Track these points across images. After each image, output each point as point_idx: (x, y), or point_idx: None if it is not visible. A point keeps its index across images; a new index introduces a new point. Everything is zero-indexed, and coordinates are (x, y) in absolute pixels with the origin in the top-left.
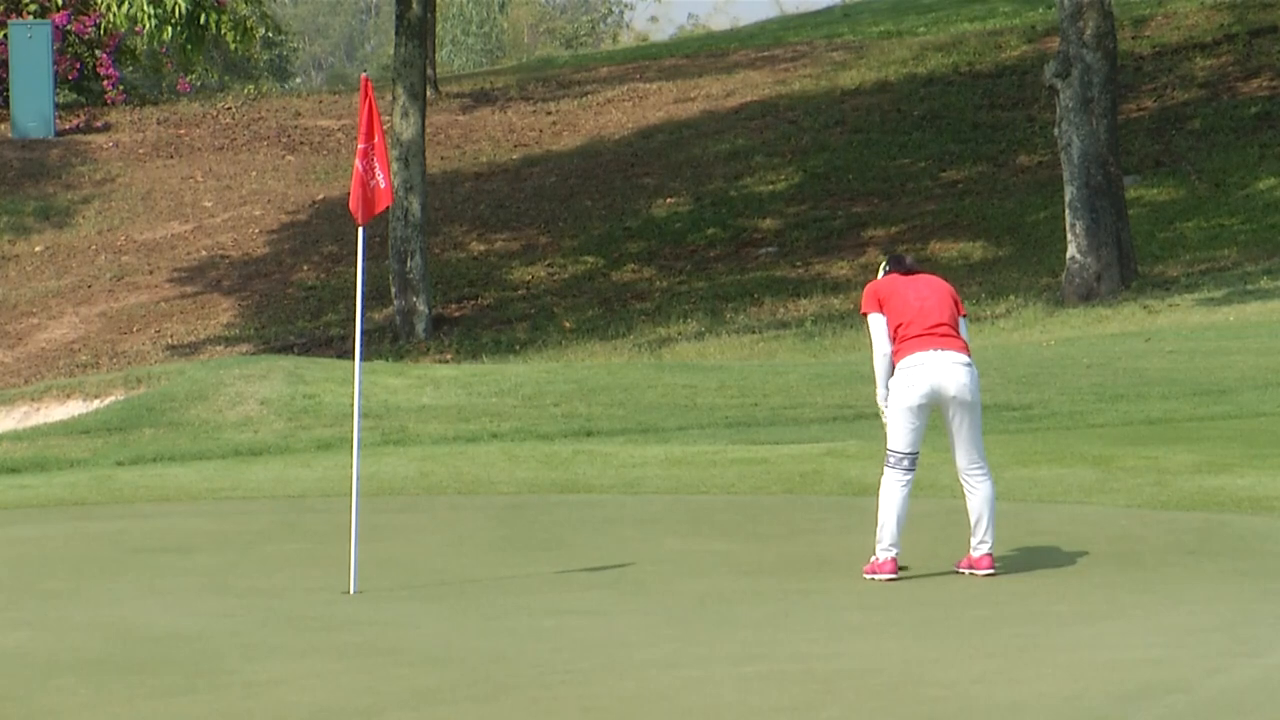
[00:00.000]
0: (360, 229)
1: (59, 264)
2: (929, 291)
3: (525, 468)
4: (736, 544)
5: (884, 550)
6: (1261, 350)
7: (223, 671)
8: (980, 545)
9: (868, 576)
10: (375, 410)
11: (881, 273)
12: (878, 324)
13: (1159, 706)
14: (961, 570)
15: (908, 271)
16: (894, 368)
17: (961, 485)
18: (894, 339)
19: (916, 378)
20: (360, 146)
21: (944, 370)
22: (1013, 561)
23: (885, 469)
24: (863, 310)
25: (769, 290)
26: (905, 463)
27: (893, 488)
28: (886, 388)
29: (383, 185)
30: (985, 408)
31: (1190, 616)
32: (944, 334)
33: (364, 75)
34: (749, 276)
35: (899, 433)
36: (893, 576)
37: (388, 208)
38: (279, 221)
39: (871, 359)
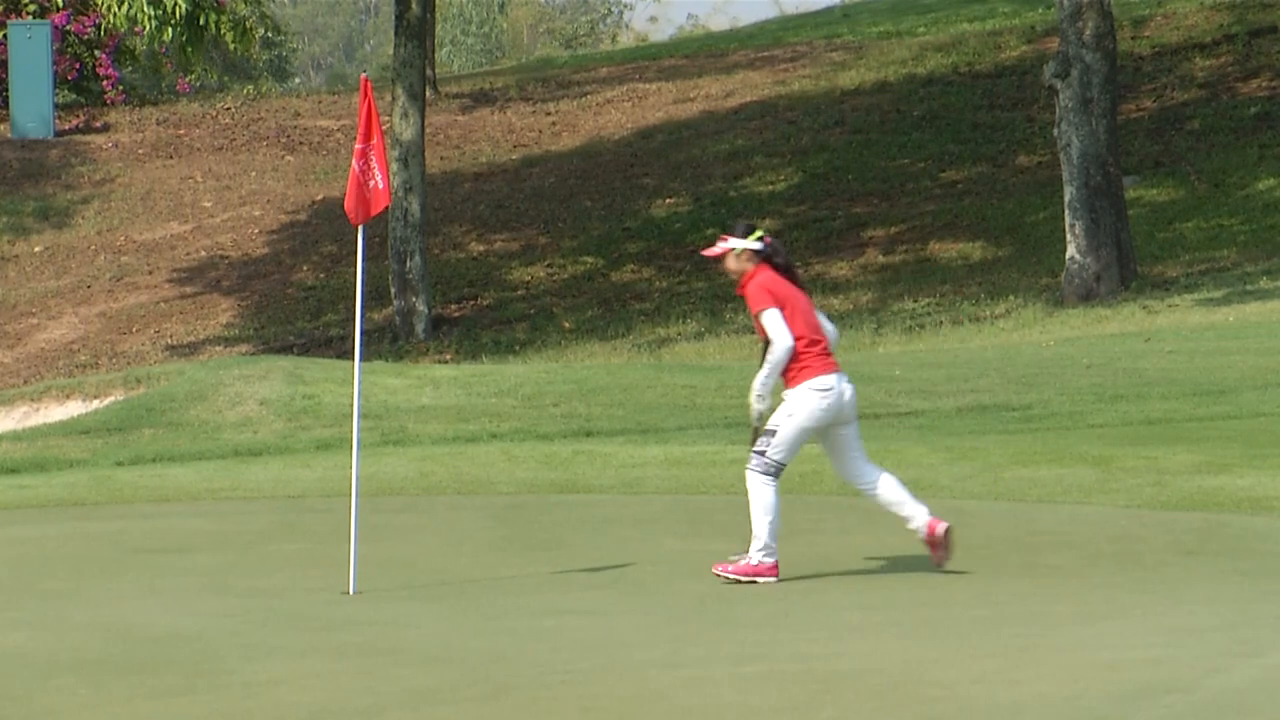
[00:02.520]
0: (359, 230)
1: (58, 264)
2: (810, 307)
3: (525, 468)
4: (736, 544)
5: (769, 554)
6: (1261, 350)
7: (222, 672)
8: (917, 515)
9: (744, 579)
10: (375, 410)
11: (753, 241)
12: (779, 319)
13: (1158, 707)
14: (934, 551)
15: (785, 268)
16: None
17: (863, 491)
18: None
19: (831, 402)
20: (358, 147)
21: (847, 396)
22: (1011, 562)
23: (756, 474)
24: (760, 306)
25: None
26: (779, 471)
27: (769, 493)
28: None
29: (380, 186)
30: (986, 408)
31: (1190, 617)
32: (833, 357)
33: (364, 75)
34: None
35: (791, 447)
36: (777, 579)
37: (386, 209)
38: (278, 222)
39: (770, 353)
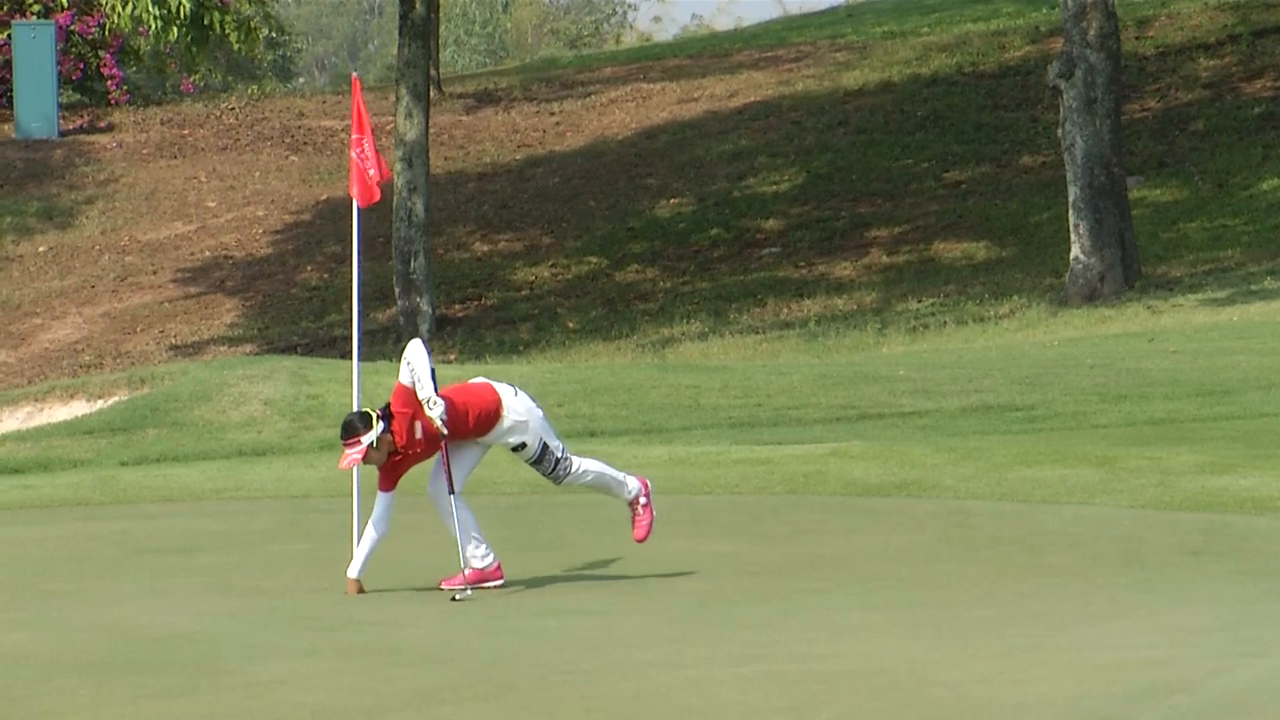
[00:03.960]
0: (355, 221)
1: (63, 264)
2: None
3: (528, 468)
4: (740, 544)
5: (488, 557)
6: (1265, 351)
7: (225, 672)
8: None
9: (469, 588)
10: None
11: (378, 424)
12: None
13: (1162, 707)
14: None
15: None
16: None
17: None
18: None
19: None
20: (354, 136)
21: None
22: (1015, 562)
23: (575, 476)
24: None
25: (772, 291)
26: (567, 453)
27: (591, 466)
28: None
29: (375, 177)
30: (989, 408)
31: (1194, 617)
32: None
33: (354, 75)
34: (752, 277)
35: (553, 435)
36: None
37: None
38: (282, 222)
39: (419, 367)
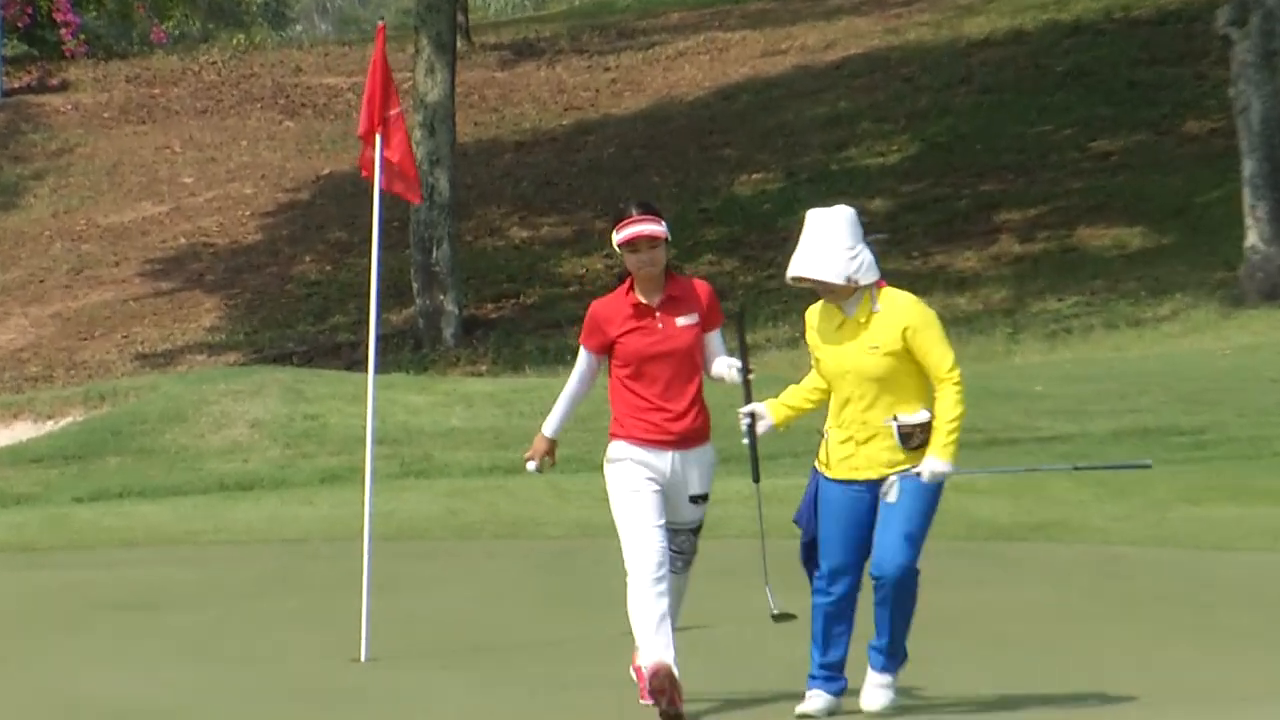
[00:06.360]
0: (376, 210)
1: (5, 254)
2: None
3: (577, 505)
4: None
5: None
6: None
7: None
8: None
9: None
10: (394, 434)
11: None
12: None
13: None
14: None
15: None
16: None
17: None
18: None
19: None
20: (393, 111)
21: None
22: (1181, 623)
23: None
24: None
25: None
26: None
27: None
28: None
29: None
30: (1148, 432)
31: None
32: None
33: (381, 22)
34: None
35: None
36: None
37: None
38: (275, 202)
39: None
